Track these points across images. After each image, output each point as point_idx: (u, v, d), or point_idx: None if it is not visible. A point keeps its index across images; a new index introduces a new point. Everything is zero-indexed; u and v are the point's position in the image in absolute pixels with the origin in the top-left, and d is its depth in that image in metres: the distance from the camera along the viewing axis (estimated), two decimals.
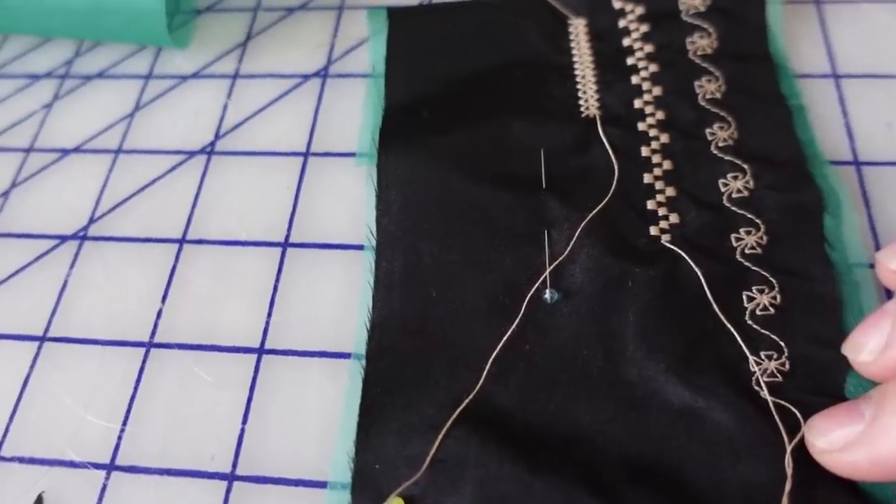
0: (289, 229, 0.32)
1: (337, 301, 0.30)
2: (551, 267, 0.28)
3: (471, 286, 0.28)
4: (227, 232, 0.33)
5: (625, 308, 0.27)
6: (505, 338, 0.27)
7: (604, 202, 0.29)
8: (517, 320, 0.27)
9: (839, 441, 0.22)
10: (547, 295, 0.28)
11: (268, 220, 0.33)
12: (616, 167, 0.30)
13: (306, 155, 0.34)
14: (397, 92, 0.35)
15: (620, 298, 0.27)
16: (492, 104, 0.33)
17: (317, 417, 0.27)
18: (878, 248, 0.29)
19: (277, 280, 0.31)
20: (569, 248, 0.28)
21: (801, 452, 0.23)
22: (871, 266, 0.27)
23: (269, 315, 0.30)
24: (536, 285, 0.28)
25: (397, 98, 0.34)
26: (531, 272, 0.28)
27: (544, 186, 0.30)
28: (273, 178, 0.34)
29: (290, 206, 0.33)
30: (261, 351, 0.29)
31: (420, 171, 0.31)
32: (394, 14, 0.38)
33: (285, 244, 0.32)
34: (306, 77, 0.37)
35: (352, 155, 0.34)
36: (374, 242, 0.30)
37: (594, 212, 0.29)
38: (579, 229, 0.28)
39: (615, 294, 0.27)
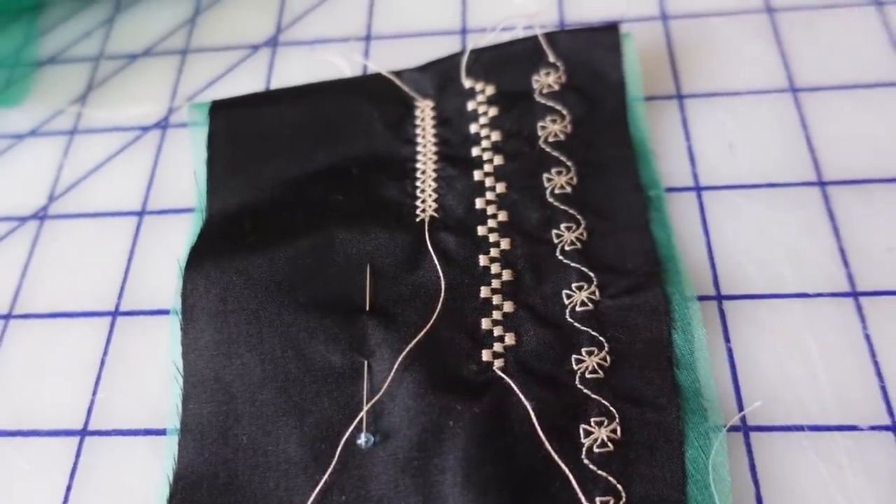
0: (119, 297, 0.31)
1: (167, 371, 0.28)
2: (367, 407, 0.25)
3: (286, 432, 0.25)
4: (57, 304, 0.31)
5: (445, 454, 0.24)
6: (316, 492, 0.24)
7: (427, 327, 0.26)
8: (330, 469, 0.24)
9: None
10: (361, 440, 0.25)
11: (99, 287, 0.31)
12: (443, 283, 0.27)
13: (142, 214, 0.33)
14: (219, 199, 0.31)
15: (441, 442, 0.24)
16: (318, 212, 0.30)
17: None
18: (718, 290, 0.28)
19: (105, 353, 0.29)
20: (386, 384, 0.25)
21: None
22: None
23: (95, 392, 0.28)
24: (350, 429, 0.25)
25: (219, 206, 0.31)
26: (350, 412, 0.25)
27: (367, 309, 0.27)
28: (107, 241, 0.32)
29: (123, 272, 0.31)
30: (83, 433, 0.28)
31: (231, 301, 0.27)
32: (217, 107, 0.33)
33: (115, 313, 0.30)
34: (146, 129, 0.36)
35: (190, 210, 0.33)
36: (181, 382, 0.27)
37: (415, 339, 0.26)
38: (398, 360, 0.25)
39: (435, 437, 0.24)
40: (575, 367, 0.26)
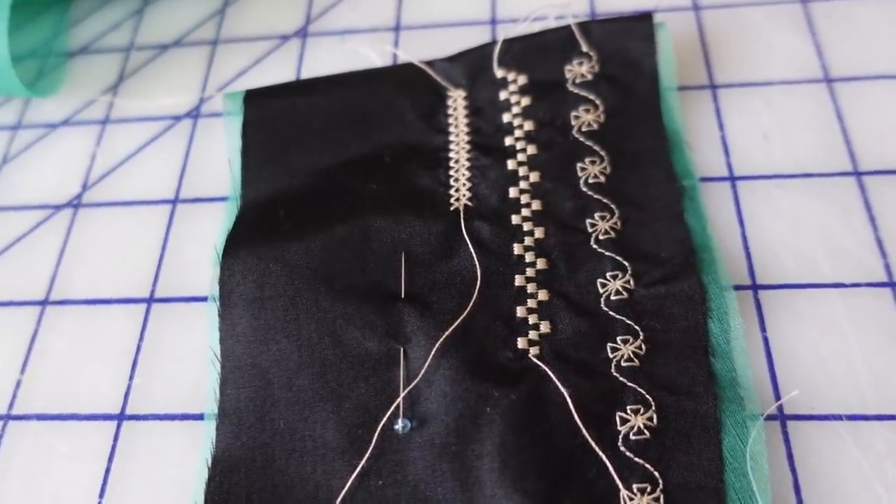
0: (154, 284, 0.31)
1: (202, 357, 0.28)
2: (403, 393, 0.25)
3: (323, 417, 0.26)
4: (92, 290, 0.31)
5: (483, 440, 0.24)
6: (354, 475, 0.25)
7: (463, 314, 0.26)
8: (367, 454, 0.25)
9: None
10: (398, 425, 0.25)
11: (134, 274, 0.31)
12: (479, 271, 0.27)
13: (175, 202, 0.33)
14: (254, 188, 0.31)
15: (478, 428, 0.24)
16: (353, 200, 0.30)
17: (177, 488, 0.26)
18: (754, 282, 0.28)
19: (141, 339, 0.30)
20: (423, 370, 0.25)
21: None
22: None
23: (131, 378, 0.29)
24: (388, 414, 0.25)
25: (253, 195, 0.31)
26: (387, 398, 0.26)
27: (403, 296, 0.27)
28: (140, 229, 0.33)
29: (157, 259, 0.32)
30: (121, 417, 0.28)
31: (268, 288, 0.27)
32: (251, 96, 0.34)
33: (150, 300, 0.31)
34: (177, 118, 0.36)
35: (222, 199, 0.33)
36: (218, 368, 0.27)
37: (452, 326, 0.26)
38: (435, 347, 0.26)
39: (472, 423, 0.24)
40: (610, 356, 0.26)
